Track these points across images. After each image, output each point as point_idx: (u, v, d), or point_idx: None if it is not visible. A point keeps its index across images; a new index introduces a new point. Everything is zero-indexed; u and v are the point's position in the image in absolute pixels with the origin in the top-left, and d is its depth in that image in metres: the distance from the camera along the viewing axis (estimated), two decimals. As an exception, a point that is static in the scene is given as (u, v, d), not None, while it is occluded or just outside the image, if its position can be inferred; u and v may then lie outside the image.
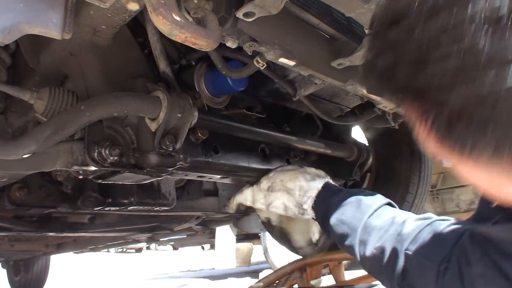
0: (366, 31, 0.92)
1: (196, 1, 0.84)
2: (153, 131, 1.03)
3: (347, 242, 0.97)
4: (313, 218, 1.12)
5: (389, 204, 1.01)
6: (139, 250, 13.88)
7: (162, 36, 1.04)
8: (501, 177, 0.44)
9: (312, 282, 1.97)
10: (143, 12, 0.96)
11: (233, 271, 7.09)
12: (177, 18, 0.72)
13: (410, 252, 0.85)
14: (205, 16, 0.80)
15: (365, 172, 2.03)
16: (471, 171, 0.47)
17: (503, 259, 0.67)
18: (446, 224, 0.85)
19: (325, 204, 1.07)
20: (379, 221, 0.94)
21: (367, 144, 1.97)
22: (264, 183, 1.21)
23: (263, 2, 0.77)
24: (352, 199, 1.01)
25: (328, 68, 1.08)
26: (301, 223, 1.29)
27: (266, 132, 1.39)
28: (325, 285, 2.02)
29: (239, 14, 0.81)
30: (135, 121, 1.08)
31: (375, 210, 0.96)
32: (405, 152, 2.06)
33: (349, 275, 2.09)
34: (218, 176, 1.37)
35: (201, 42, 0.76)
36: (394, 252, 0.87)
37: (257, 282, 2.09)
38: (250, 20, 0.82)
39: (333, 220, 1.00)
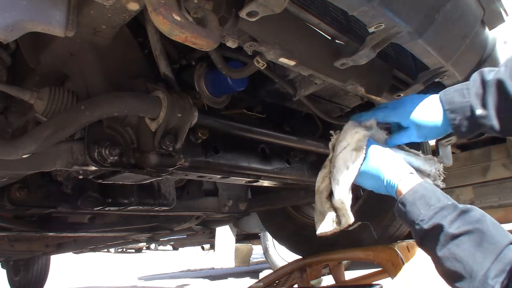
0: (369, 30, 0.92)
1: (196, 1, 0.84)
2: (153, 131, 1.03)
3: (459, 284, 0.80)
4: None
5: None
6: (139, 250, 13.87)
7: (162, 36, 1.04)
8: None
9: (312, 282, 1.97)
10: (143, 12, 0.96)
11: (233, 271, 7.09)
12: (177, 18, 0.72)
13: None
14: (205, 16, 0.80)
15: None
16: None
17: None
18: None
19: (427, 211, 0.87)
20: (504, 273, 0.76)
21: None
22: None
23: (267, 1, 0.77)
24: (471, 227, 0.81)
25: (328, 68, 1.08)
26: None
27: (266, 132, 1.39)
28: (325, 285, 2.02)
29: (243, 14, 0.81)
30: (135, 121, 1.08)
31: (499, 254, 0.78)
32: (405, 152, 2.06)
33: (349, 275, 2.09)
34: (218, 176, 1.37)
35: (201, 42, 0.76)
36: None
37: (257, 282, 2.09)
38: (253, 19, 0.82)
39: (444, 251, 0.82)
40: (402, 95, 1.33)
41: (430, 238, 0.85)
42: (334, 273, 2.03)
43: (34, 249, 3.32)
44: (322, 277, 2.03)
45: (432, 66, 1.18)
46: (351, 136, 1.06)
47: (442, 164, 1.16)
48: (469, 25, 1.16)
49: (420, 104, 1.05)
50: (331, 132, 1.12)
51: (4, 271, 4.76)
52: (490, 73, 0.95)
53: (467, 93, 0.98)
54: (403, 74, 1.34)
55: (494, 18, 1.27)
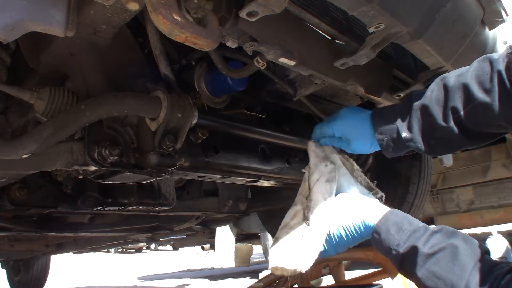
0: (369, 30, 0.92)
1: (196, 1, 0.84)
2: (153, 131, 1.03)
3: None
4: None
5: (486, 252, 0.84)
6: (139, 250, 13.87)
7: (162, 36, 1.04)
8: None
9: (312, 282, 1.97)
10: (143, 12, 0.96)
11: (233, 271, 7.09)
12: (177, 18, 0.72)
13: None
14: (205, 16, 0.80)
15: (365, 172, 2.03)
16: None
17: None
18: None
19: (403, 238, 0.88)
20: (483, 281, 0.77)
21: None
22: None
23: (267, 1, 0.77)
24: (444, 244, 0.83)
25: (328, 68, 1.08)
26: None
27: (266, 132, 1.39)
28: (325, 285, 2.02)
29: (243, 14, 0.81)
30: (135, 121, 1.08)
31: (476, 264, 0.80)
32: (405, 152, 2.06)
33: (349, 275, 2.09)
34: (218, 176, 1.37)
35: (201, 42, 0.76)
36: None
37: (257, 282, 2.09)
38: (253, 19, 0.82)
39: (422, 271, 0.83)
40: (401, 95, 1.33)
41: (408, 261, 0.86)
42: (334, 273, 2.03)
43: (34, 249, 3.31)
44: (322, 277, 2.03)
45: (432, 66, 1.18)
46: (323, 168, 1.07)
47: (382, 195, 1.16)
48: (469, 25, 1.16)
49: (351, 122, 1.09)
50: (303, 170, 1.13)
51: (4, 271, 4.75)
52: (417, 97, 0.99)
53: (394, 116, 1.03)
54: (403, 74, 1.34)
55: (494, 18, 1.27)
